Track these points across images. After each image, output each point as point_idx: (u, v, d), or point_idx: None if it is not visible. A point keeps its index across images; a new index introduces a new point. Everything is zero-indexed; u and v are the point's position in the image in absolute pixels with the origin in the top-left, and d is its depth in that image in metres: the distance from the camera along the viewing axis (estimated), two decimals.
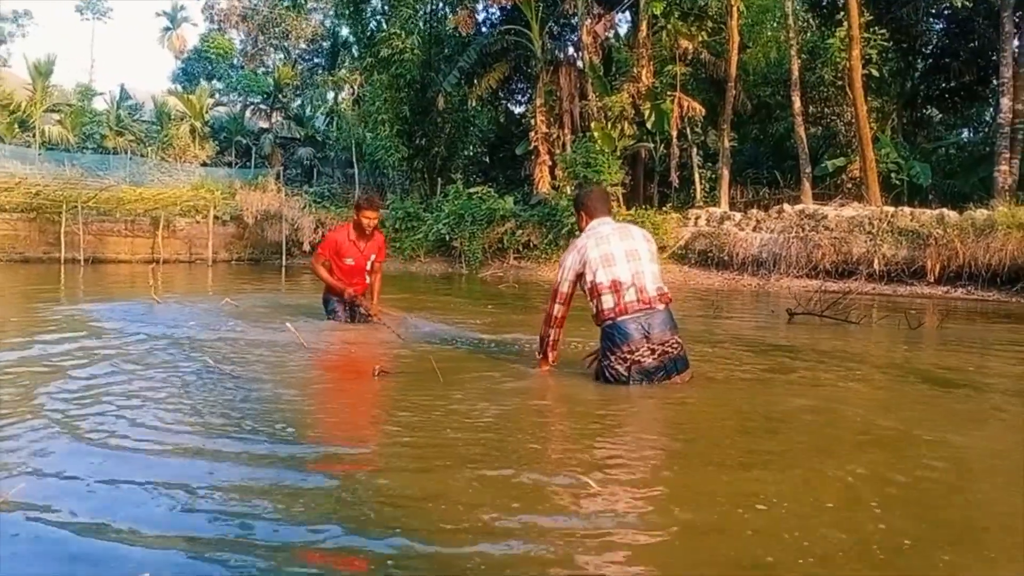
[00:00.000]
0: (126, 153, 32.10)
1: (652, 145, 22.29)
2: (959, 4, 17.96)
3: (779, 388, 4.67)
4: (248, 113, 39.33)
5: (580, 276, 4.46)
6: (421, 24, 26.11)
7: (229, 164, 33.95)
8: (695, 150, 23.08)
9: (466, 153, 29.10)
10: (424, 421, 3.54)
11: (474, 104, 26.11)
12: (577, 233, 4.75)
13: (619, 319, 4.26)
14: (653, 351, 4.25)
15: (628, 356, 4.23)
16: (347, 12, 28.21)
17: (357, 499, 2.50)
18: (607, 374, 4.31)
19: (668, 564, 2.09)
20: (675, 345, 4.34)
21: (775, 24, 24.95)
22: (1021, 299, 12.99)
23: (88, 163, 27.84)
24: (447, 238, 21.69)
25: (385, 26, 26.49)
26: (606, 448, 3.21)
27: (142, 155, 32.25)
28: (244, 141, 36.36)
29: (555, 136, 23.19)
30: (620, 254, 4.36)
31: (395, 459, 3.00)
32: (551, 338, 4.65)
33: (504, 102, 30.70)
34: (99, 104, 41.44)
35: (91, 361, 4.92)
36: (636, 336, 4.23)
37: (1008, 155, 17.73)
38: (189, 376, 4.47)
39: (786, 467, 2.95)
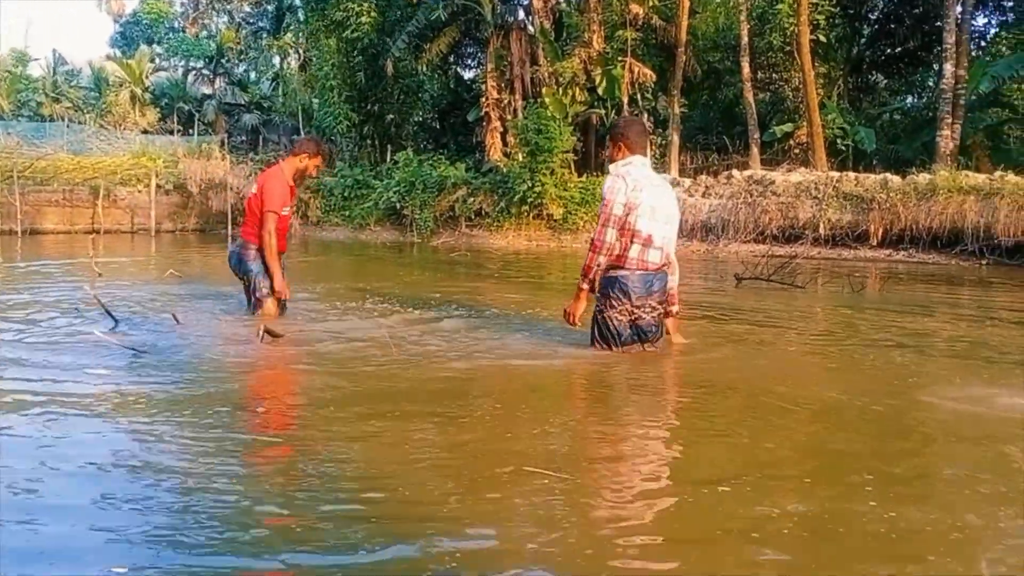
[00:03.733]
0: (63, 120, 30.96)
1: (603, 111, 22.20)
2: None
3: (720, 355, 4.72)
4: (190, 79, 38.12)
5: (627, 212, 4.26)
6: None
7: (171, 131, 32.96)
8: (646, 116, 23.06)
9: (416, 119, 28.64)
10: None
11: (424, 69, 25.63)
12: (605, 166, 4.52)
13: (636, 272, 4.29)
14: (653, 308, 4.35)
15: (634, 310, 4.30)
16: None
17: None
18: (609, 326, 4.32)
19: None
20: (663, 305, 4.44)
21: None
22: (960, 261, 13.35)
23: (23, 131, 26.72)
24: (398, 206, 21.40)
25: None
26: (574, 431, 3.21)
27: (80, 123, 31.12)
28: (187, 107, 35.33)
29: (506, 102, 22.93)
30: (663, 214, 4.35)
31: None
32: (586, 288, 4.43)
33: (455, 67, 30.22)
34: (35, 70, 39.86)
35: (25, 343, 4.78)
36: (643, 292, 4.29)
37: (950, 120, 18.02)
38: (128, 359, 4.36)
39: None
